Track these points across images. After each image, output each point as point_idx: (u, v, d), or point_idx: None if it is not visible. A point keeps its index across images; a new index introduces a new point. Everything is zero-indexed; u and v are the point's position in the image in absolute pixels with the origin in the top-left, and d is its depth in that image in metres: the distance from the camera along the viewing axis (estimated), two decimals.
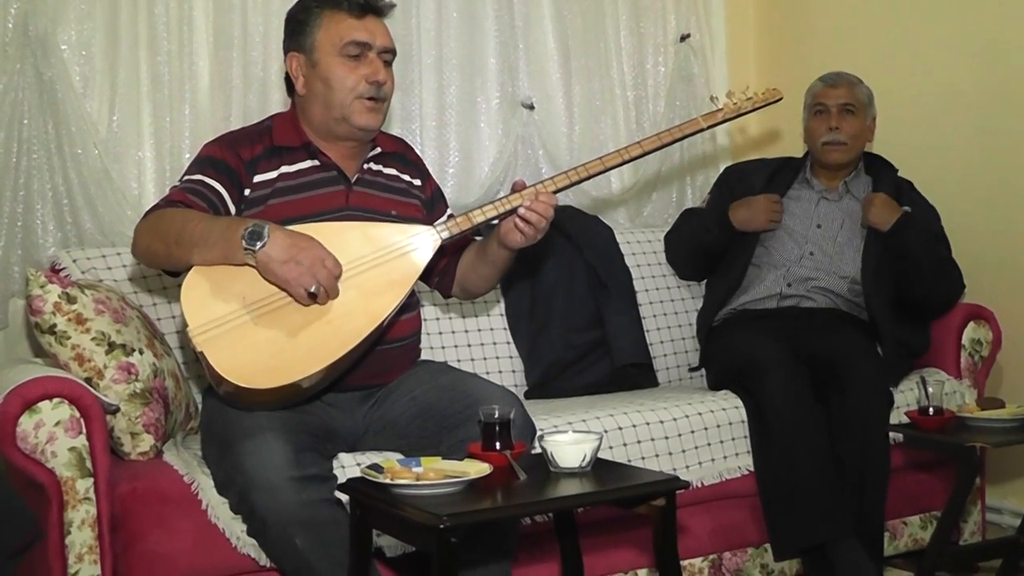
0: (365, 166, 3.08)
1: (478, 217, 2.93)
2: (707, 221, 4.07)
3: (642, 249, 4.31)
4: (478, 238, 3.24)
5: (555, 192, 2.95)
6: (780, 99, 3.31)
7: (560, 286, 4.03)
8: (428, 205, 3.19)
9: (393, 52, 3.05)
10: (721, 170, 4.49)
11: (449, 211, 3.25)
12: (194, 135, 3.73)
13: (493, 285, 3.24)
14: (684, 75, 4.67)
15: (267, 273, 2.68)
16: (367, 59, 2.97)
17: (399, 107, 4.15)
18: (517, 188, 2.94)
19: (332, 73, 2.96)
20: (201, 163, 2.98)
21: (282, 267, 2.66)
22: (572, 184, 3.02)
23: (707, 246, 4.11)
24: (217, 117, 3.81)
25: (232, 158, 2.96)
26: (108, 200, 3.63)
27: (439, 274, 3.23)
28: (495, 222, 2.98)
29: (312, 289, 2.66)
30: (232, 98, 3.85)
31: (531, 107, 4.35)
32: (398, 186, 3.12)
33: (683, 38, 4.67)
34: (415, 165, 3.23)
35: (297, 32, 3.02)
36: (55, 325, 2.85)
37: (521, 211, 2.89)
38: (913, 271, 3.84)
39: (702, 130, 3.22)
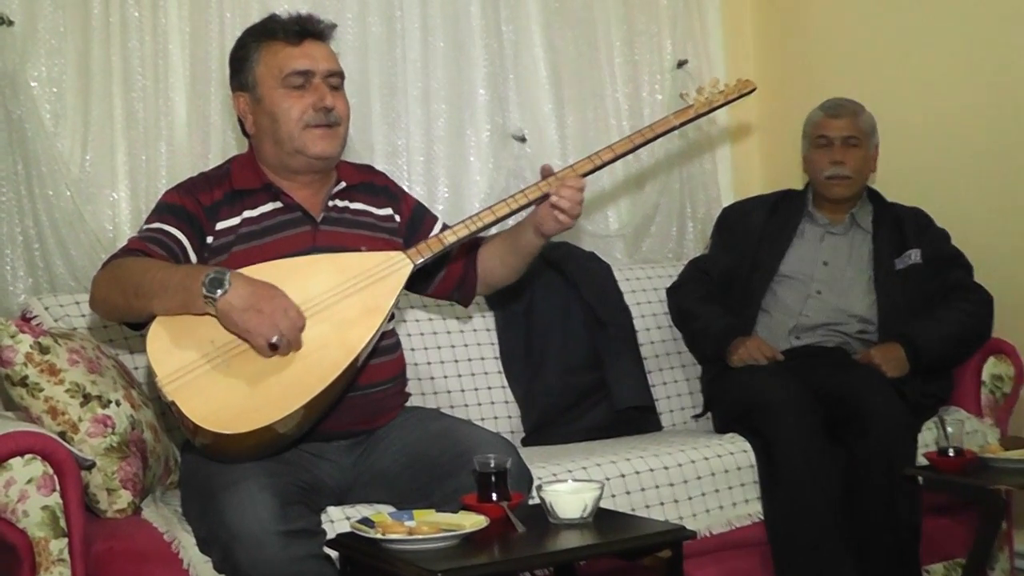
0: (330, 203, 3.04)
1: (449, 238, 2.93)
2: (710, 333, 3.91)
3: (641, 286, 4.26)
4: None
5: (583, 175, 2.99)
6: (754, 90, 3.29)
7: (556, 326, 4.00)
8: (409, 229, 3.14)
9: (340, 75, 3.02)
10: (722, 203, 4.50)
11: (441, 222, 3.21)
12: (171, 174, 3.69)
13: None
14: (681, 103, 4.59)
15: (227, 322, 2.64)
16: (312, 86, 2.94)
17: (385, 141, 4.14)
18: (545, 174, 2.97)
19: (277, 106, 2.93)
20: (160, 211, 2.96)
21: (243, 315, 2.61)
22: (596, 168, 3.04)
23: (703, 352, 4.03)
24: (195, 155, 3.79)
25: (191, 204, 2.94)
26: (81, 243, 3.60)
27: (456, 287, 3.20)
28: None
29: (274, 340, 2.61)
30: (211, 135, 3.82)
31: (523, 139, 4.33)
32: (366, 221, 3.08)
33: (680, 64, 4.65)
34: (384, 192, 3.18)
35: (239, 71, 3.02)
36: (27, 377, 2.79)
37: (553, 199, 2.91)
38: (959, 361, 3.83)
39: (674, 128, 3.20)
